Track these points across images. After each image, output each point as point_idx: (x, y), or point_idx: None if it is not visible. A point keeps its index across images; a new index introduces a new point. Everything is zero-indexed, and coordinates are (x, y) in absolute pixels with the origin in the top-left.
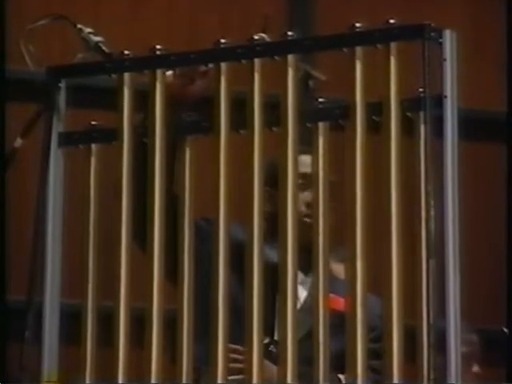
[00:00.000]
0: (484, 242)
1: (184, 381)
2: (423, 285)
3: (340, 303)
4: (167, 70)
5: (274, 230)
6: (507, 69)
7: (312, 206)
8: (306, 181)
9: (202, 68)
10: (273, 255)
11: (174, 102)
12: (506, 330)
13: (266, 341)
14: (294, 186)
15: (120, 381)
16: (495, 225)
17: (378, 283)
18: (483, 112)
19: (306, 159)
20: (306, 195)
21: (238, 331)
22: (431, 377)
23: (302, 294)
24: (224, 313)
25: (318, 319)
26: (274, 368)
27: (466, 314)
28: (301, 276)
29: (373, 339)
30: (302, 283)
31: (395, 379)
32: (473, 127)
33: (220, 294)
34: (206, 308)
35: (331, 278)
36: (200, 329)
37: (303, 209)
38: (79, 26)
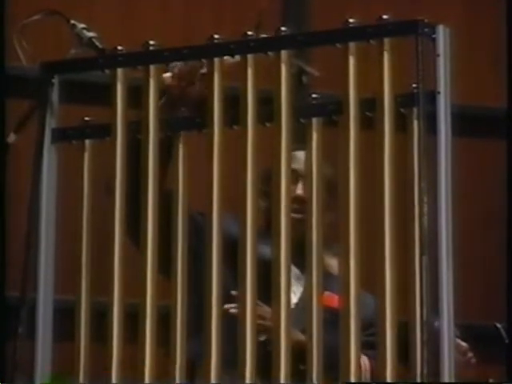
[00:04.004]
0: (482, 240)
1: (178, 375)
2: (416, 281)
3: (335, 300)
4: (161, 66)
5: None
6: (507, 64)
7: (299, 200)
8: (293, 176)
9: (202, 70)
10: (268, 251)
11: (172, 103)
12: (499, 325)
13: (262, 338)
14: (288, 182)
15: (114, 376)
16: (494, 223)
17: (371, 280)
18: (481, 108)
19: (296, 155)
20: (292, 190)
21: (233, 327)
22: (424, 373)
23: (298, 290)
24: (217, 307)
25: (311, 316)
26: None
27: (460, 310)
28: (297, 273)
29: (369, 335)
30: (298, 280)
31: (388, 376)
32: (470, 123)
33: (213, 289)
34: (200, 303)
35: (326, 275)
36: (195, 324)
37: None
38: (72, 21)
